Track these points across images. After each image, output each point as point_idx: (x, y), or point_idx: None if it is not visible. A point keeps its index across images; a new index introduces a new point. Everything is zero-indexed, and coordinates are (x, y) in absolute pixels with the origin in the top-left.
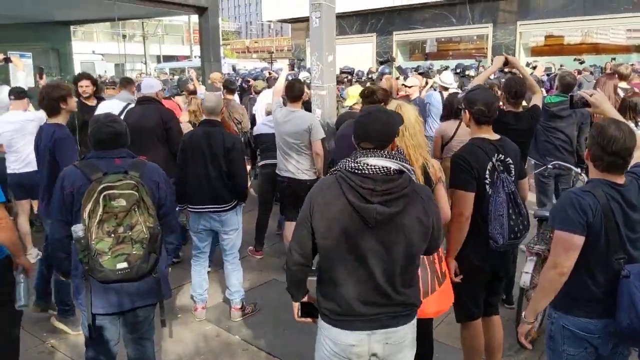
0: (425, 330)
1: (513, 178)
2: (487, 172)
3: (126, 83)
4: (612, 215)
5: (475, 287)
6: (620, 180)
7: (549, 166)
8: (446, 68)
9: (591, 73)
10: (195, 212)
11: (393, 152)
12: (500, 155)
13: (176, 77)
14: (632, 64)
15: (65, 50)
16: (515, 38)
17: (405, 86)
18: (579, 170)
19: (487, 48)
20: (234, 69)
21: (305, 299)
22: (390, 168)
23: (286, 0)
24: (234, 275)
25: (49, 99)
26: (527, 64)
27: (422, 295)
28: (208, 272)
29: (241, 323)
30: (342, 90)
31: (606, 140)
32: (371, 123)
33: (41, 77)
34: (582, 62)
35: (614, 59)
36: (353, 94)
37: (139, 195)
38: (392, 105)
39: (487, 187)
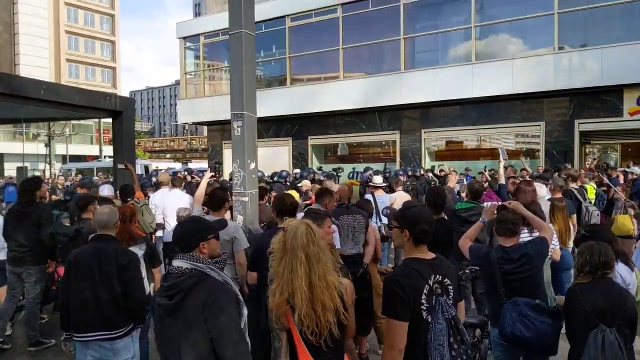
0: None
1: (452, 301)
2: (424, 296)
3: None
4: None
5: None
6: None
7: (467, 271)
8: (376, 172)
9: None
10: (82, 342)
11: (196, 254)
12: (438, 277)
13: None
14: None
15: None
16: (420, 144)
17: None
18: None
19: (395, 152)
20: (146, 170)
21: None
22: (182, 267)
23: (202, 105)
24: None
25: None
26: (433, 168)
27: None
28: None
29: None
30: None
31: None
32: (180, 230)
33: None
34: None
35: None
36: None
37: None
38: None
39: (425, 313)
